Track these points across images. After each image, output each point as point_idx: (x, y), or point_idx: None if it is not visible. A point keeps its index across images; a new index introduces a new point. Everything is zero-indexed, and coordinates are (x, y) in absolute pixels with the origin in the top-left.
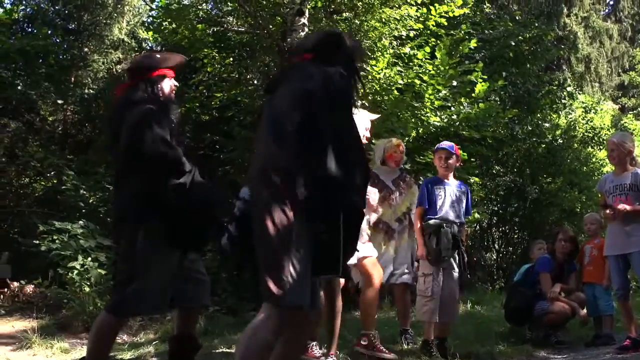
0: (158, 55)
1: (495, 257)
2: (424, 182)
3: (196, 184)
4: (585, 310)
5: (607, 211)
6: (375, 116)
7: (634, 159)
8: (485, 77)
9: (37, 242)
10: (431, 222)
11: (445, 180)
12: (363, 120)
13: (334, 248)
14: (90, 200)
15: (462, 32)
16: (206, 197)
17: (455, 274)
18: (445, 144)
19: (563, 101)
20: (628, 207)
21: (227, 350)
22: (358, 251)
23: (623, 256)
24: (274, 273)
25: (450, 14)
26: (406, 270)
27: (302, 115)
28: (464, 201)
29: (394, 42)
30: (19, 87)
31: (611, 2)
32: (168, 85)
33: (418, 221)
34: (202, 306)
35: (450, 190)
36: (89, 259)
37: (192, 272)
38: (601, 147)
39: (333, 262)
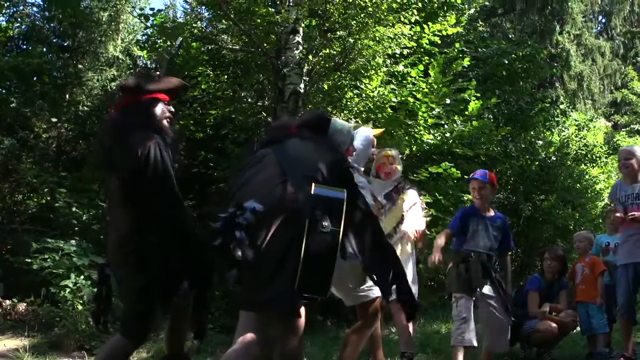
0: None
1: None
2: (461, 209)
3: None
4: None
5: (618, 214)
6: (377, 131)
7: None
8: (479, 95)
9: (30, 260)
10: (460, 251)
11: (482, 212)
12: (364, 136)
13: None
14: (84, 218)
15: (456, 50)
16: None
17: (498, 303)
18: (478, 173)
19: (556, 119)
20: (637, 214)
21: None
22: None
23: (633, 266)
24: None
25: (444, 33)
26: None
27: None
28: (500, 235)
29: (388, 61)
30: (12, 105)
31: (603, 20)
32: (160, 109)
33: (441, 238)
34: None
35: (484, 223)
36: (82, 277)
37: None
38: (594, 164)
39: None
